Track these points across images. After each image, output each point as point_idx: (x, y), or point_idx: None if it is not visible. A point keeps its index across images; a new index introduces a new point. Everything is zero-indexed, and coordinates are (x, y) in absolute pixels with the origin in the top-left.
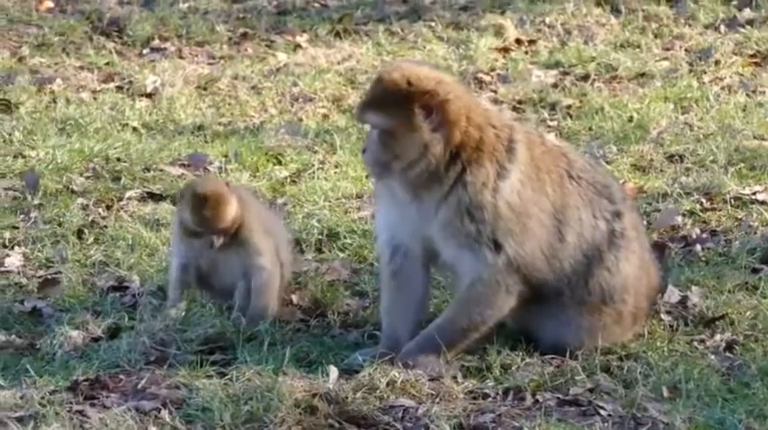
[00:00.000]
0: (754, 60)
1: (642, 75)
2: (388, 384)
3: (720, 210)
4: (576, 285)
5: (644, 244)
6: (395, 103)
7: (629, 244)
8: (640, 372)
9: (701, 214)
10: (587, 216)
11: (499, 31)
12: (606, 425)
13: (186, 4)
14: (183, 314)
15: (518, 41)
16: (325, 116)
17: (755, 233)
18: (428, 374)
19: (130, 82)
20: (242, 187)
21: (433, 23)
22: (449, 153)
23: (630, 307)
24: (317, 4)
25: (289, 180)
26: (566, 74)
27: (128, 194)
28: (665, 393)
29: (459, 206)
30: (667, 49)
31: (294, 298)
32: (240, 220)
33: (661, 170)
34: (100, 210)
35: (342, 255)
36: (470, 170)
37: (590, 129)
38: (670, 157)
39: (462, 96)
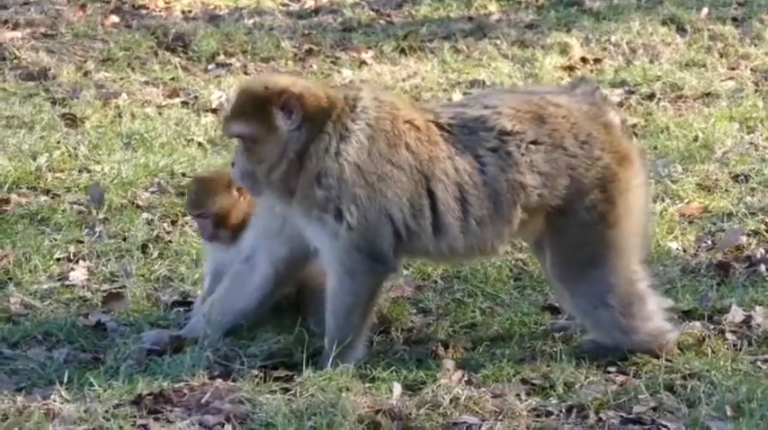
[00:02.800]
0: None
1: (708, 94)
2: (451, 401)
3: None
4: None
5: (559, 125)
6: (255, 110)
7: (542, 149)
8: (704, 391)
9: (765, 234)
10: (467, 161)
11: (564, 50)
12: None
13: (251, 20)
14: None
15: (583, 60)
16: None
17: None
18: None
19: (195, 97)
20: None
21: (498, 41)
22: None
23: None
24: (382, 21)
25: None
26: (631, 93)
27: None
28: (729, 412)
29: (308, 178)
30: (733, 69)
31: None
32: (239, 219)
33: (726, 190)
34: (164, 224)
35: (406, 272)
36: (314, 140)
37: (655, 148)
38: (735, 177)
39: (313, 88)
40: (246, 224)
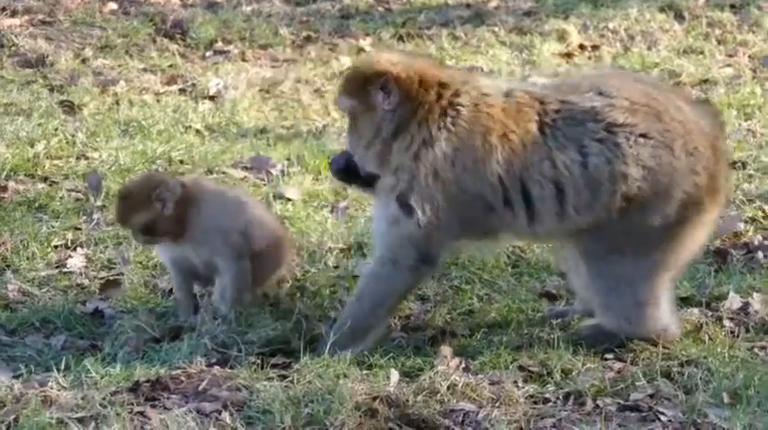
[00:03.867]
0: None
1: (705, 81)
2: (448, 388)
3: None
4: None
5: (675, 128)
6: (358, 87)
7: (650, 143)
8: (701, 378)
9: (762, 221)
10: (569, 155)
11: (562, 37)
12: None
13: (250, 7)
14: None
15: (581, 47)
16: None
17: None
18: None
19: (193, 84)
20: (208, 183)
21: (496, 28)
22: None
23: (703, 182)
24: (380, 8)
25: None
26: None
27: None
28: (726, 399)
29: (390, 167)
30: (731, 56)
31: None
32: (169, 225)
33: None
34: None
35: None
36: (402, 132)
37: None
38: (733, 164)
39: (418, 72)
40: (185, 223)
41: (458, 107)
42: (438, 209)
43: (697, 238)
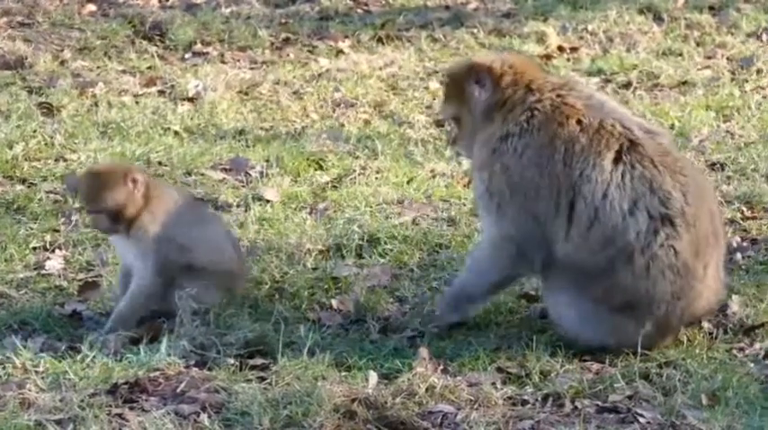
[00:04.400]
0: None
1: (684, 83)
2: (427, 390)
3: (761, 219)
4: (597, 278)
5: (695, 270)
6: (454, 90)
7: (671, 259)
8: (679, 380)
9: (741, 223)
10: (621, 202)
11: (541, 39)
12: None
13: (229, 9)
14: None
15: (560, 49)
16: (367, 122)
17: None
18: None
19: (172, 86)
20: (172, 189)
21: (475, 30)
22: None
23: (657, 318)
24: (359, 10)
25: (330, 185)
26: (608, 81)
27: None
28: (704, 401)
29: (475, 163)
30: (709, 58)
31: (334, 302)
32: (135, 210)
33: None
34: None
35: (382, 260)
36: (487, 124)
37: None
38: (711, 165)
39: (508, 63)
40: (143, 214)
41: (536, 108)
42: (508, 201)
43: None
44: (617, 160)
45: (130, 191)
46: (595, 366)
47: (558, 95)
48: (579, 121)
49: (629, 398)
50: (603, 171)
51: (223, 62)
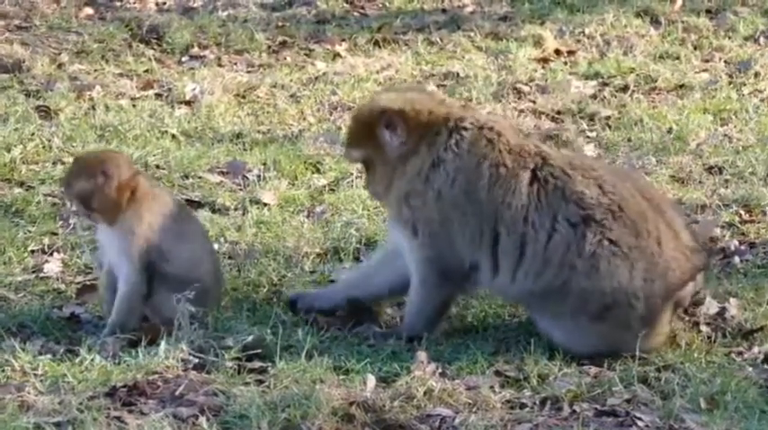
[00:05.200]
0: None
1: (681, 86)
2: (425, 393)
3: (759, 223)
4: (558, 294)
5: (646, 248)
6: (364, 133)
7: (612, 251)
8: (678, 384)
9: (739, 226)
10: (540, 219)
11: (538, 42)
12: None
13: (225, 13)
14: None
15: (557, 52)
16: None
17: None
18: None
19: (169, 89)
20: (166, 193)
21: (472, 33)
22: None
23: (640, 311)
24: (356, 13)
25: (327, 188)
26: (605, 85)
27: None
28: (703, 405)
29: (398, 195)
30: (707, 61)
31: None
32: (104, 204)
33: (700, 182)
34: None
35: None
36: (411, 158)
37: (629, 140)
38: (709, 169)
39: (417, 103)
40: (129, 211)
41: (463, 135)
42: (435, 232)
43: None
44: (532, 181)
45: (99, 183)
46: (593, 370)
47: (480, 118)
48: (506, 143)
49: (628, 401)
50: (521, 195)
51: (220, 65)
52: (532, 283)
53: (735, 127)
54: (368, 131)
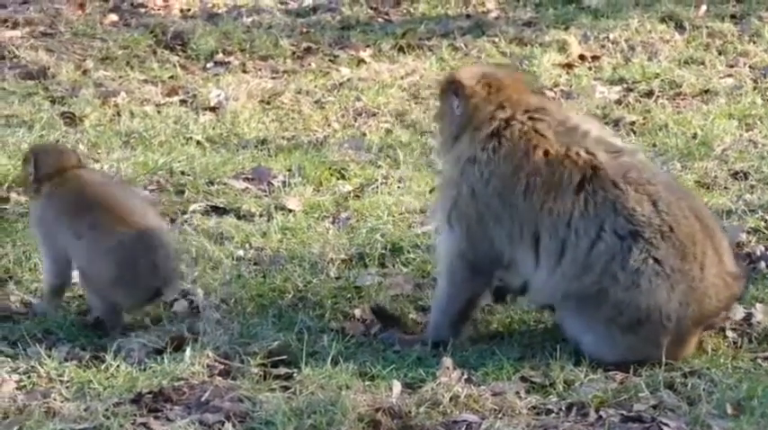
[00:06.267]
0: None
1: (706, 91)
2: (451, 399)
3: None
4: (594, 301)
5: (689, 272)
6: (441, 91)
7: (656, 270)
8: (704, 389)
9: (765, 231)
10: (585, 227)
11: (563, 47)
12: None
13: (250, 19)
14: None
15: (582, 57)
16: (389, 131)
17: None
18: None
19: (194, 95)
20: (99, 186)
21: (496, 39)
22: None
23: (670, 330)
24: (380, 19)
25: (352, 194)
26: (629, 90)
27: (192, 208)
28: (729, 410)
29: (442, 180)
30: (731, 66)
31: (357, 312)
32: (25, 192)
33: (725, 187)
34: (164, 222)
35: (405, 269)
36: (455, 144)
37: (654, 145)
38: (734, 174)
39: (483, 83)
40: (39, 199)
41: (503, 135)
42: (472, 228)
43: None
44: (579, 190)
45: (26, 173)
46: (620, 375)
47: (531, 118)
48: (546, 152)
49: (654, 407)
50: (565, 202)
51: (245, 71)
52: (568, 285)
53: (760, 132)
54: (443, 92)
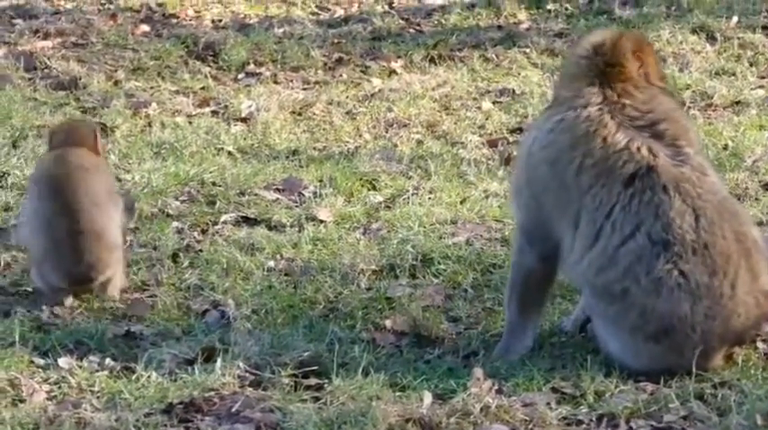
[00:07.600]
0: None
1: (737, 102)
2: (481, 410)
3: None
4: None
5: (717, 288)
6: None
7: (679, 282)
8: (734, 400)
9: None
10: (624, 224)
11: None
12: None
13: (281, 29)
14: None
15: None
16: (420, 142)
17: None
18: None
19: (225, 106)
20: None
21: (527, 50)
22: None
23: (695, 342)
24: (412, 30)
25: (383, 205)
26: None
27: (223, 218)
28: (759, 421)
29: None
30: (763, 77)
31: (388, 323)
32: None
33: (756, 198)
34: (195, 233)
35: (436, 280)
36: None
37: None
38: (765, 186)
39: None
40: None
41: (572, 110)
42: (531, 196)
43: None
44: (628, 183)
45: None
46: (650, 387)
47: (589, 116)
48: (605, 139)
49: (684, 418)
50: (611, 192)
51: (276, 82)
52: (594, 276)
53: None
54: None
